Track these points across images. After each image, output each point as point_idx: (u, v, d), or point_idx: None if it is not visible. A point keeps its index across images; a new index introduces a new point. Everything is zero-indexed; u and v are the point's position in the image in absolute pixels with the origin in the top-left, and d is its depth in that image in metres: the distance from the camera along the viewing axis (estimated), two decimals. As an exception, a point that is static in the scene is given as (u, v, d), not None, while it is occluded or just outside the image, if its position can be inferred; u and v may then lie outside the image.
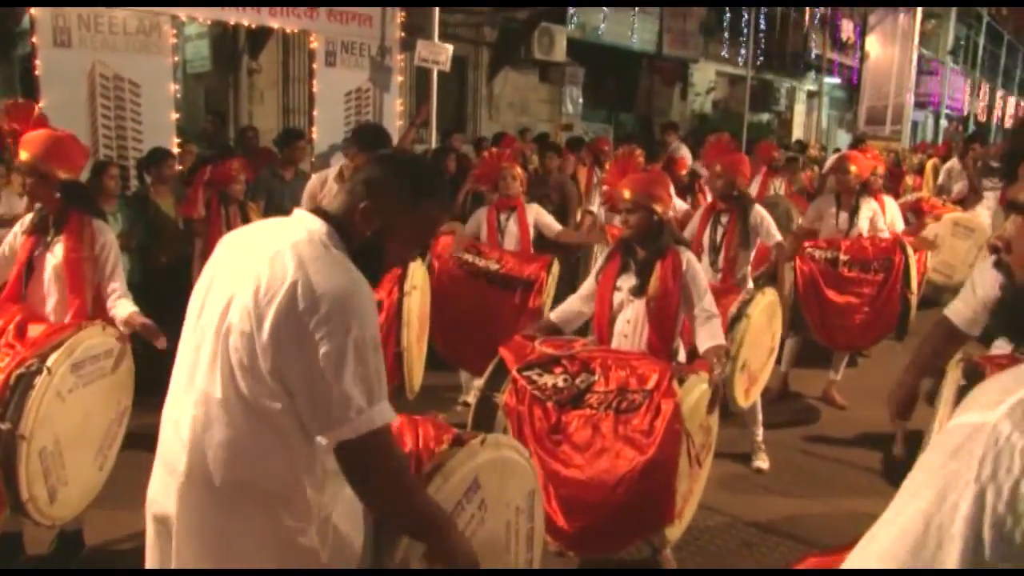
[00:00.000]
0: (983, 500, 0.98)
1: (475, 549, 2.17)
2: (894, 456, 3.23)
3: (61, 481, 3.53)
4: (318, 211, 2.03)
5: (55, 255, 3.90)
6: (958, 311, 3.35)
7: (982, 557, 0.99)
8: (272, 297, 1.82)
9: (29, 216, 4.03)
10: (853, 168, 6.51)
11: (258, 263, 1.89)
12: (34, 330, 3.63)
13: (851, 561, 1.11)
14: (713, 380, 3.65)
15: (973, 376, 2.96)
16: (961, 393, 2.89)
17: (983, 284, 3.26)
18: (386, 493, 1.93)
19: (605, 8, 15.02)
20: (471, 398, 6.04)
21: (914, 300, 6.27)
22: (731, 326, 4.66)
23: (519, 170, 6.27)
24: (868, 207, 6.56)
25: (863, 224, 6.50)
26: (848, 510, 4.89)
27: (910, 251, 6.27)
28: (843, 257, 6.28)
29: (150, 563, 2.13)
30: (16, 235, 3.98)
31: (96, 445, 3.85)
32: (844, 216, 6.54)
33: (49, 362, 3.40)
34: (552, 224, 6.30)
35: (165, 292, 5.48)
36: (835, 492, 5.15)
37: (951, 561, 1.00)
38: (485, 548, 2.32)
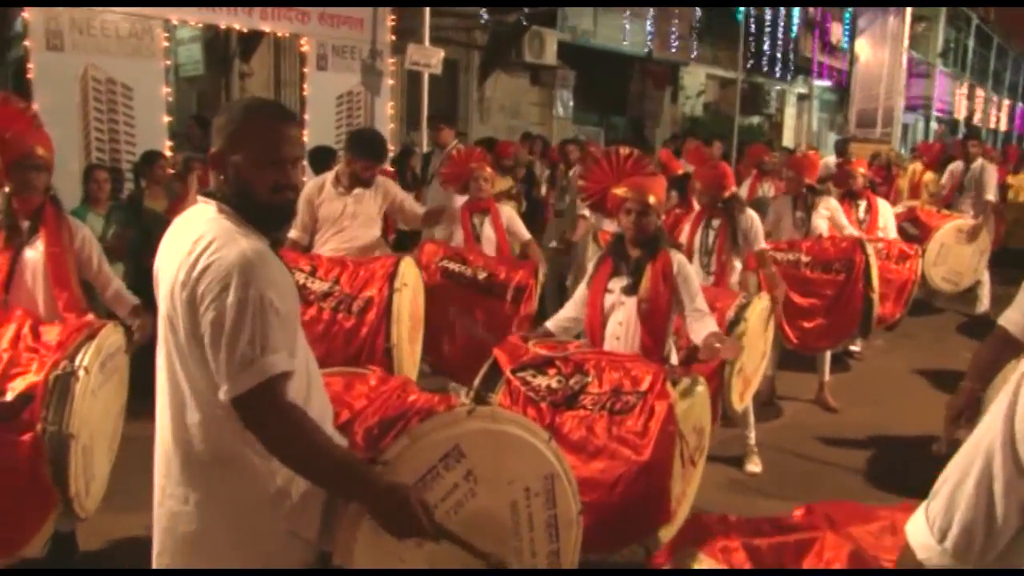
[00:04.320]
0: None
1: (465, 521, 2.25)
2: (933, 453, 3.25)
3: (90, 476, 3.64)
4: (206, 194, 2.22)
5: (37, 253, 3.91)
6: (1013, 320, 3.39)
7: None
8: (176, 279, 2.04)
9: None
10: (799, 174, 6.76)
11: (172, 254, 2.10)
12: (49, 332, 3.67)
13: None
14: (724, 354, 3.71)
15: None
16: None
17: None
18: (284, 442, 2.02)
19: (596, 11, 15.04)
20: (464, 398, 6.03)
21: (876, 299, 6.31)
22: (729, 330, 4.68)
23: (489, 171, 6.11)
24: (825, 206, 6.73)
25: (820, 223, 6.63)
26: (841, 511, 4.91)
27: (870, 251, 6.33)
28: (804, 259, 6.36)
29: None
30: None
31: (109, 438, 3.94)
32: (801, 216, 6.72)
33: (85, 362, 3.49)
34: (522, 232, 6.18)
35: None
36: (829, 495, 5.16)
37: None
38: (479, 523, 2.32)
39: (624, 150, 4.15)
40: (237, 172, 2.14)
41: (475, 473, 2.31)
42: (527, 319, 5.46)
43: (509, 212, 6.26)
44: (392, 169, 8.81)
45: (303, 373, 2.19)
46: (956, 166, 10.13)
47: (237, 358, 1.96)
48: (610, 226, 6.03)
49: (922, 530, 1.52)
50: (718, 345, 3.77)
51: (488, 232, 6.00)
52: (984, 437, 1.45)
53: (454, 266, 5.68)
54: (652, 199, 3.92)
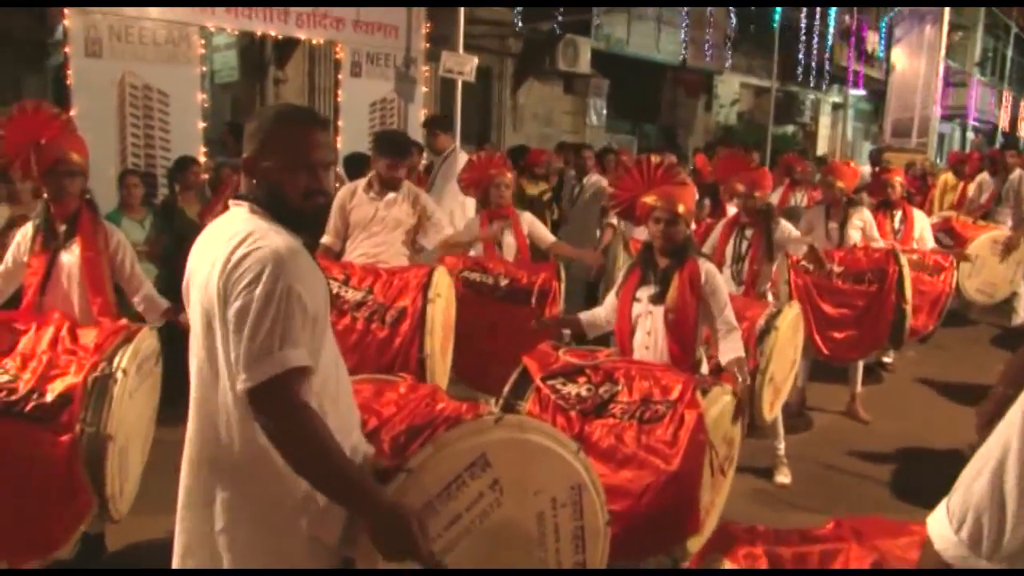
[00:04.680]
0: None
1: (491, 531, 2.26)
2: (964, 456, 3.29)
3: (124, 477, 3.68)
4: (238, 197, 2.23)
5: (72, 257, 3.97)
6: None
7: None
8: (214, 275, 2.04)
9: (29, 225, 4.05)
10: (838, 183, 6.65)
11: (207, 255, 2.11)
12: (87, 335, 3.72)
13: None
14: (739, 392, 3.66)
15: None
16: None
17: None
18: (290, 439, 1.99)
19: (630, 19, 15.01)
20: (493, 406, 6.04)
21: (909, 310, 6.23)
22: (760, 339, 4.64)
23: (510, 176, 6.03)
24: (859, 217, 6.65)
25: (854, 234, 6.57)
26: (872, 525, 4.86)
27: (903, 261, 6.26)
28: (836, 268, 6.28)
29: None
30: (19, 245, 4.01)
31: (142, 440, 3.99)
32: (834, 227, 6.64)
33: (123, 364, 3.54)
34: (546, 235, 6.11)
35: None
36: (859, 508, 5.11)
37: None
38: (504, 533, 2.32)
39: (655, 158, 4.13)
40: (269, 177, 2.16)
41: (501, 483, 2.30)
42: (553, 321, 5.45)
43: (530, 218, 6.15)
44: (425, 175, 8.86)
45: (332, 377, 2.19)
46: (984, 177, 10.05)
47: (256, 348, 1.96)
48: (641, 234, 6.00)
49: (942, 521, 1.55)
50: (736, 373, 3.76)
51: (509, 239, 5.94)
52: (1005, 431, 1.46)
53: (475, 276, 5.64)
54: (681, 208, 3.91)
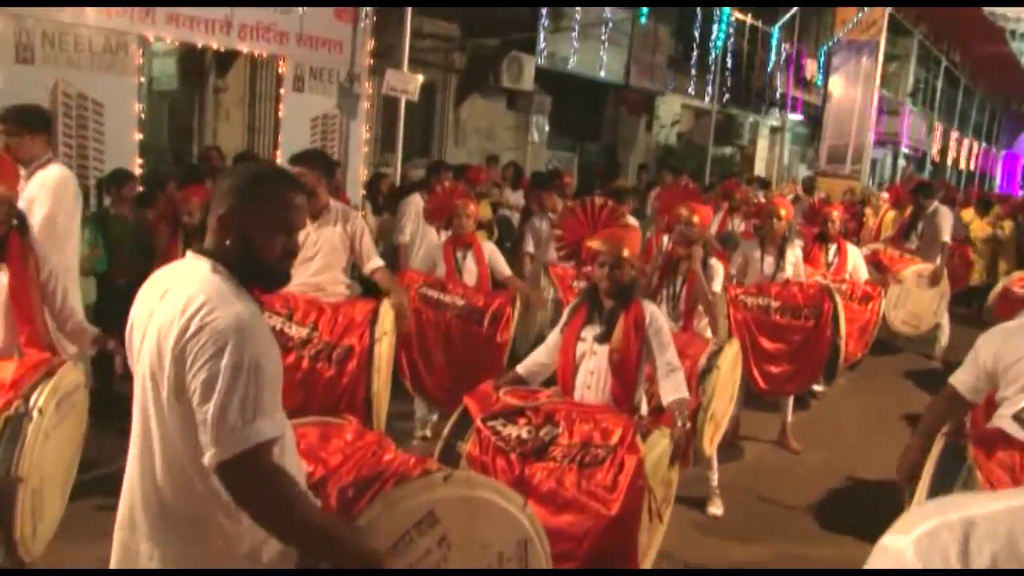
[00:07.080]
0: None
1: None
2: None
3: (39, 518, 3.53)
4: (201, 251, 2.18)
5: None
6: (963, 381, 3.54)
7: None
8: (167, 336, 2.01)
9: None
10: (783, 212, 6.69)
11: (159, 309, 2.07)
12: (4, 369, 3.54)
13: None
14: (676, 434, 3.68)
15: (953, 457, 3.22)
16: (939, 471, 3.20)
17: (986, 355, 3.46)
18: (269, 509, 2.01)
19: (575, 39, 15.07)
20: (428, 432, 6.04)
21: (843, 345, 6.40)
22: (702, 377, 4.70)
23: (472, 206, 6.18)
24: (792, 253, 6.74)
25: (789, 269, 6.66)
26: (802, 556, 4.95)
27: (838, 298, 6.43)
28: (775, 304, 6.38)
29: None
30: None
31: (63, 477, 3.84)
32: (770, 261, 6.71)
33: (40, 403, 3.37)
34: (503, 268, 6.30)
35: (122, 314, 5.38)
36: (789, 538, 5.19)
37: None
38: None
39: (599, 200, 4.16)
40: (247, 236, 2.15)
41: (449, 538, 2.33)
42: (504, 346, 5.59)
43: (491, 248, 6.38)
44: (361, 193, 8.81)
45: (282, 436, 2.17)
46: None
47: (228, 422, 1.94)
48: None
49: None
50: (676, 415, 3.77)
51: (470, 266, 6.11)
52: None
53: (433, 293, 5.81)
54: (626, 251, 3.93)
